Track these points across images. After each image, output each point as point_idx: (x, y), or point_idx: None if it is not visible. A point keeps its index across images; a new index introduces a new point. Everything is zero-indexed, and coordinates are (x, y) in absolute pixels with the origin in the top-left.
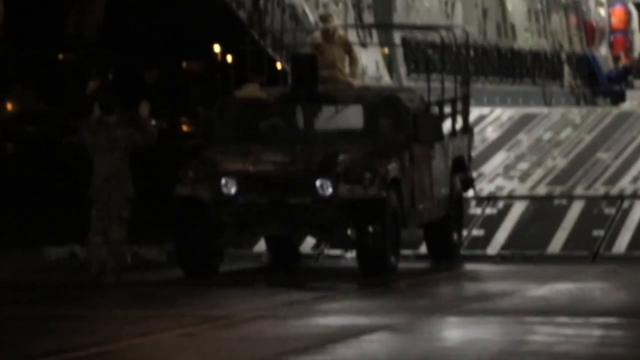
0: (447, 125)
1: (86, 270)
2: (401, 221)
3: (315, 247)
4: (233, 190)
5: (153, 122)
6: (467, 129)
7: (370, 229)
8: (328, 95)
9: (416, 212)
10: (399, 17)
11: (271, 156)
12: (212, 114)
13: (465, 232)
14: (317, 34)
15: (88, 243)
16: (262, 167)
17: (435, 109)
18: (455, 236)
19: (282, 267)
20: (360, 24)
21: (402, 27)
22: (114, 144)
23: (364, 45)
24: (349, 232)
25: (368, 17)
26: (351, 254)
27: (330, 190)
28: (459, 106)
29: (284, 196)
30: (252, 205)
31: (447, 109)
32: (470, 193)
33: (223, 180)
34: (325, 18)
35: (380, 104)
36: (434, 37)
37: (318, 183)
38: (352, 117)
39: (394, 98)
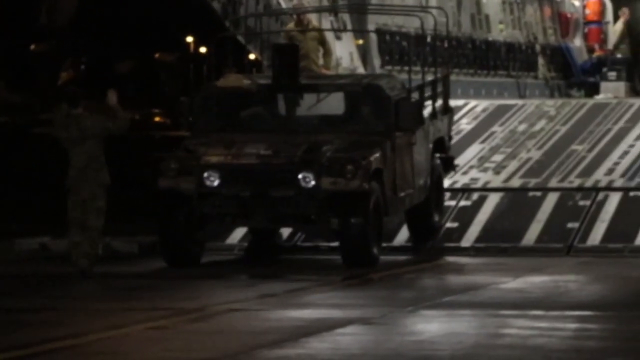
0: (427, 108)
1: (72, 263)
2: (384, 212)
3: (289, 238)
4: (216, 182)
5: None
6: (447, 109)
7: (353, 220)
8: (310, 85)
9: (398, 200)
10: (373, 5)
11: (254, 148)
12: (194, 103)
13: (439, 225)
14: (291, 25)
15: (68, 235)
16: (245, 160)
17: (415, 94)
18: (437, 217)
19: (259, 259)
20: (333, 8)
21: (377, 11)
22: (85, 133)
23: (338, 37)
24: (331, 223)
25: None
26: (328, 244)
27: (313, 183)
28: (439, 87)
29: (266, 189)
30: (234, 198)
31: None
32: (450, 173)
33: (206, 173)
34: (297, 9)
35: (362, 91)
36: (409, 28)
37: (301, 176)
38: (334, 105)
39: (375, 86)
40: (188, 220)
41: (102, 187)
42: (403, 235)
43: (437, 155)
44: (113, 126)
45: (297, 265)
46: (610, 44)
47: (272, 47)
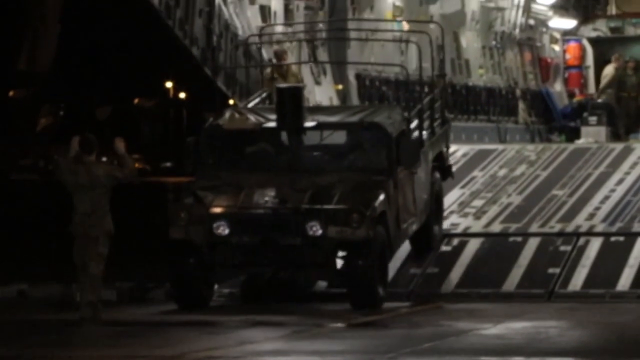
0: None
1: (80, 310)
2: (388, 252)
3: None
4: (226, 232)
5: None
6: (445, 120)
7: (360, 262)
8: (313, 126)
9: (401, 233)
10: (352, 53)
11: (261, 196)
12: (199, 143)
13: (419, 271)
14: (269, 70)
15: (78, 283)
16: (253, 209)
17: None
18: (436, 229)
19: (252, 303)
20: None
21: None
22: (94, 181)
23: (317, 82)
24: (337, 265)
25: (322, 54)
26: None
27: (320, 232)
28: (437, 103)
29: (275, 237)
30: (244, 246)
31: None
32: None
33: (216, 224)
34: (280, 55)
35: (364, 130)
36: (388, 73)
37: (308, 225)
38: (337, 140)
39: (376, 125)
40: (198, 267)
41: (105, 234)
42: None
43: (436, 164)
44: (121, 175)
45: (288, 310)
46: (591, 89)
47: (276, 90)
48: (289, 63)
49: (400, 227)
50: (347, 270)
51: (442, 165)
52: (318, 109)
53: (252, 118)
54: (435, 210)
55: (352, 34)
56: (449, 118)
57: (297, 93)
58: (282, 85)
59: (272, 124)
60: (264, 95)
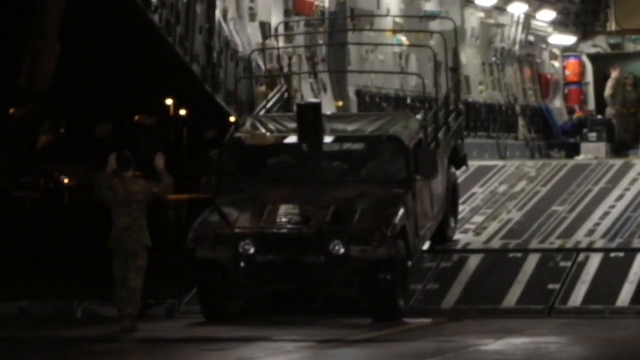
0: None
1: (120, 323)
2: (408, 263)
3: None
4: (251, 251)
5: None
6: (459, 113)
7: (381, 276)
8: (333, 141)
9: (420, 240)
10: (353, 69)
11: (285, 215)
12: (221, 157)
13: (419, 287)
14: (263, 88)
15: (114, 296)
16: (277, 228)
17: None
18: (452, 223)
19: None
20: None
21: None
22: (131, 197)
23: (317, 98)
24: (358, 282)
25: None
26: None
27: (342, 251)
28: (451, 97)
29: (298, 256)
30: (268, 264)
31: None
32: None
33: (241, 243)
34: (273, 72)
35: (382, 144)
36: (389, 90)
37: (331, 245)
38: (356, 150)
39: (395, 138)
40: (225, 283)
41: (143, 248)
42: None
43: (452, 163)
44: (158, 191)
45: (293, 325)
46: (591, 105)
47: (296, 106)
48: (293, 73)
49: (419, 234)
50: (369, 286)
51: (456, 157)
52: (336, 118)
53: (272, 128)
54: (451, 204)
55: (353, 51)
56: (462, 110)
57: (316, 108)
58: (303, 101)
59: (293, 139)
60: (279, 95)
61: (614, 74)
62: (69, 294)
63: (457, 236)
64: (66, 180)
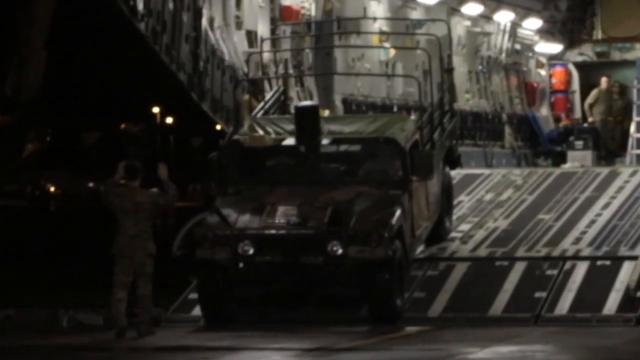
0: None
1: (113, 325)
2: (405, 264)
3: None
4: (250, 251)
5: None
6: (453, 113)
7: (378, 276)
8: (330, 143)
9: (416, 240)
10: (339, 79)
11: (284, 215)
12: (221, 160)
13: (406, 295)
14: (247, 96)
15: (112, 298)
16: (276, 229)
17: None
18: (447, 222)
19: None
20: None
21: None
22: (138, 207)
23: None
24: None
25: (309, 79)
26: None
27: (340, 251)
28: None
29: (297, 256)
30: (267, 264)
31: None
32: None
33: (241, 244)
34: (256, 81)
35: (379, 145)
36: (375, 97)
37: (329, 245)
38: (353, 151)
39: (392, 140)
40: (224, 284)
41: (150, 256)
42: None
43: (446, 163)
44: (164, 202)
45: (281, 331)
46: (577, 113)
47: (295, 108)
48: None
49: (415, 235)
50: (367, 286)
51: (451, 157)
52: (333, 119)
53: (270, 129)
54: (446, 204)
55: (339, 59)
56: (456, 111)
57: (314, 111)
58: (301, 104)
59: (291, 141)
60: (276, 95)
61: (604, 84)
62: (55, 302)
63: (443, 244)
64: (52, 188)
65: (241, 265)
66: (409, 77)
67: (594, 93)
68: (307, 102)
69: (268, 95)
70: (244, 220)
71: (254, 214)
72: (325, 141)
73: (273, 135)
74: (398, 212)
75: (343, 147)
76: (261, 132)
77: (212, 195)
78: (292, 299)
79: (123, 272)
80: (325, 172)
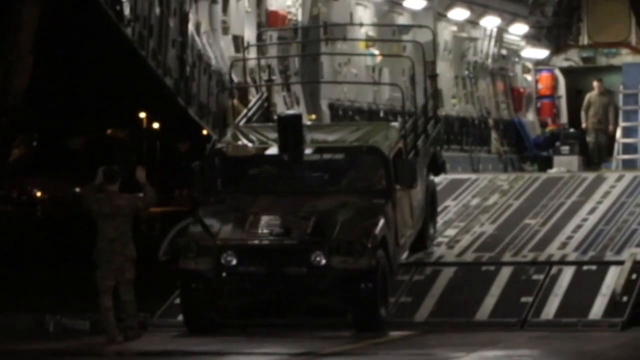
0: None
1: (105, 333)
2: (389, 273)
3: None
4: (233, 262)
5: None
6: (438, 120)
7: (362, 286)
8: (313, 152)
9: (400, 249)
10: (325, 84)
11: (267, 226)
12: (204, 169)
13: (392, 299)
14: (235, 101)
15: (100, 307)
16: (259, 239)
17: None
18: (431, 229)
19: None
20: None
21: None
22: (117, 211)
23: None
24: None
25: (295, 85)
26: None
27: (323, 262)
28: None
29: (280, 267)
30: (251, 275)
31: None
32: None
33: (224, 254)
34: (242, 87)
35: (362, 154)
36: (362, 102)
37: (312, 256)
38: (336, 159)
39: (375, 149)
40: (207, 294)
41: (129, 260)
42: None
43: (430, 170)
44: (142, 205)
45: (268, 337)
46: (563, 118)
47: (277, 118)
48: (279, 84)
49: (399, 243)
50: (351, 296)
51: (435, 164)
52: (316, 128)
53: (253, 138)
54: (430, 211)
55: (326, 64)
56: (440, 117)
57: (297, 120)
58: (283, 113)
59: (274, 150)
60: (259, 103)
61: (596, 89)
62: (41, 307)
63: (430, 249)
64: (38, 193)
65: (224, 275)
66: (392, 85)
67: (586, 98)
68: (290, 111)
69: (251, 102)
70: (227, 230)
71: (237, 224)
72: (308, 150)
73: (256, 145)
74: (382, 222)
75: (326, 156)
76: (244, 140)
77: (197, 201)
78: (276, 310)
79: (104, 275)
80: (308, 181)
